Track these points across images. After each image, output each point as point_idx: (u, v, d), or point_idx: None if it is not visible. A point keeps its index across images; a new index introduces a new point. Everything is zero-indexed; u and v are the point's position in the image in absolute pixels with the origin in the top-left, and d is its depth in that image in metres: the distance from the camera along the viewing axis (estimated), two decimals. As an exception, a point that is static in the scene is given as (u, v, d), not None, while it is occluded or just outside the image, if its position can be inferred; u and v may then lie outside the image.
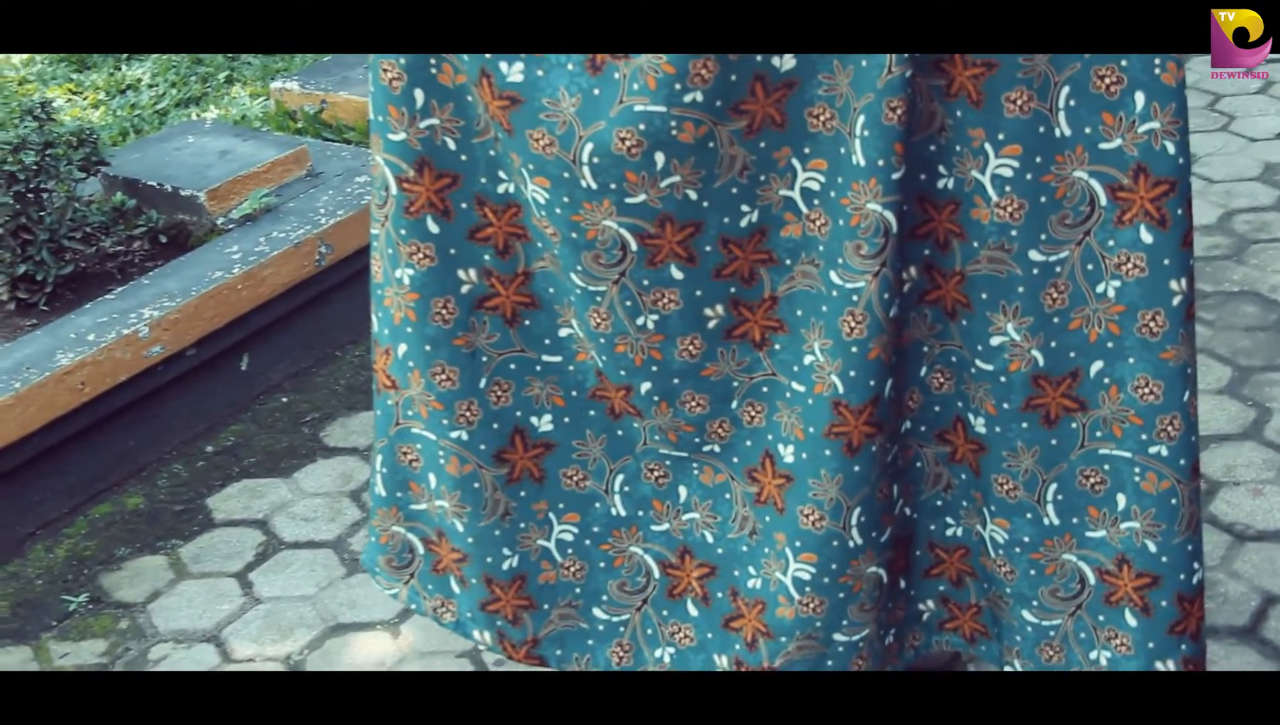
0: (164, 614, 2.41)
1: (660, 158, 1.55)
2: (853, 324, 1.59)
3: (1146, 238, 1.58)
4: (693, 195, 1.58)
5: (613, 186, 1.57)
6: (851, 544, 1.68)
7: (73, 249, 2.97)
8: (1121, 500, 1.68)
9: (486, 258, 1.70)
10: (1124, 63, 1.53)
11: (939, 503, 1.78)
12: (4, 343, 2.77)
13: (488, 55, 1.57)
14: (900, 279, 1.61)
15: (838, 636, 1.73)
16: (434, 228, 1.67)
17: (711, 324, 1.66)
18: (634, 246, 1.61)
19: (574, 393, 1.76)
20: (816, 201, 1.60)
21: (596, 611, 1.85)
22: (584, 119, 1.56)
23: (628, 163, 1.55)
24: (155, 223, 3.09)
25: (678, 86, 1.51)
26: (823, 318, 1.62)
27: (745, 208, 1.61)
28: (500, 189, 1.67)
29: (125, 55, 4.34)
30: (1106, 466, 1.67)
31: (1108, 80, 1.53)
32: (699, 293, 1.64)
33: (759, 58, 1.52)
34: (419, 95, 1.62)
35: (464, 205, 1.67)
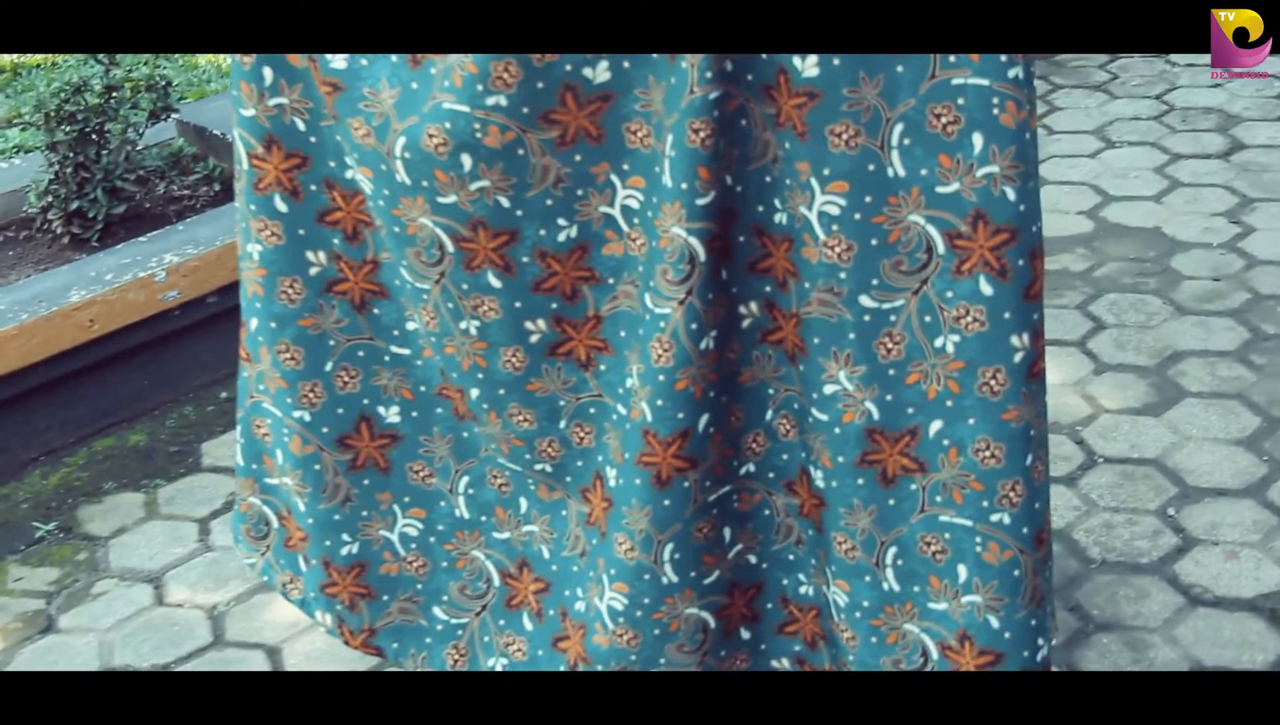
0: (121, 551, 2.48)
1: (467, 160, 1.50)
2: (660, 351, 1.52)
3: (986, 289, 1.47)
4: (505, 202, 1.53)
5: (424, 184, 1.53)
6: (665, 580, 1.61)
7: (126, 190, 3.07)
8: (963, 572, 1.57)
9: (335, 242, 1.68)
10: (960, 101, 1.41)
11: (790, 557, 1.69)
12: (37, 273, 2.89)
13: (315, 40, 1.55)
14: (715, 312, 1.52)
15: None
16: (282, 206, 1.66)
17: (534, 338, 1.61)
18: (450, 248, 1.57)
19: (422, 388, 1.74)
20: (636, 220, 1.53)
21: (436, 610, 1.82)
22: (400, 112, 1.52)
23: (436, 161, 1.51)
24: (212, 171, 3.17)
25: (480, 88, 1.46)
26: (638, 341, 1.56)
27: (563, 221, 1.55)
28: (348, 174, 1.64)
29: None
30: (947, 535, 1.56)
31: (944, 119, 1.42)
32: (518, 304, 1.59)
33: (568, 67, 1.46)
34: (268, 73, 1.61)
35: (313, 187, 1.66)
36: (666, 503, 1.57)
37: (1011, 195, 1.43)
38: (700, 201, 1.45)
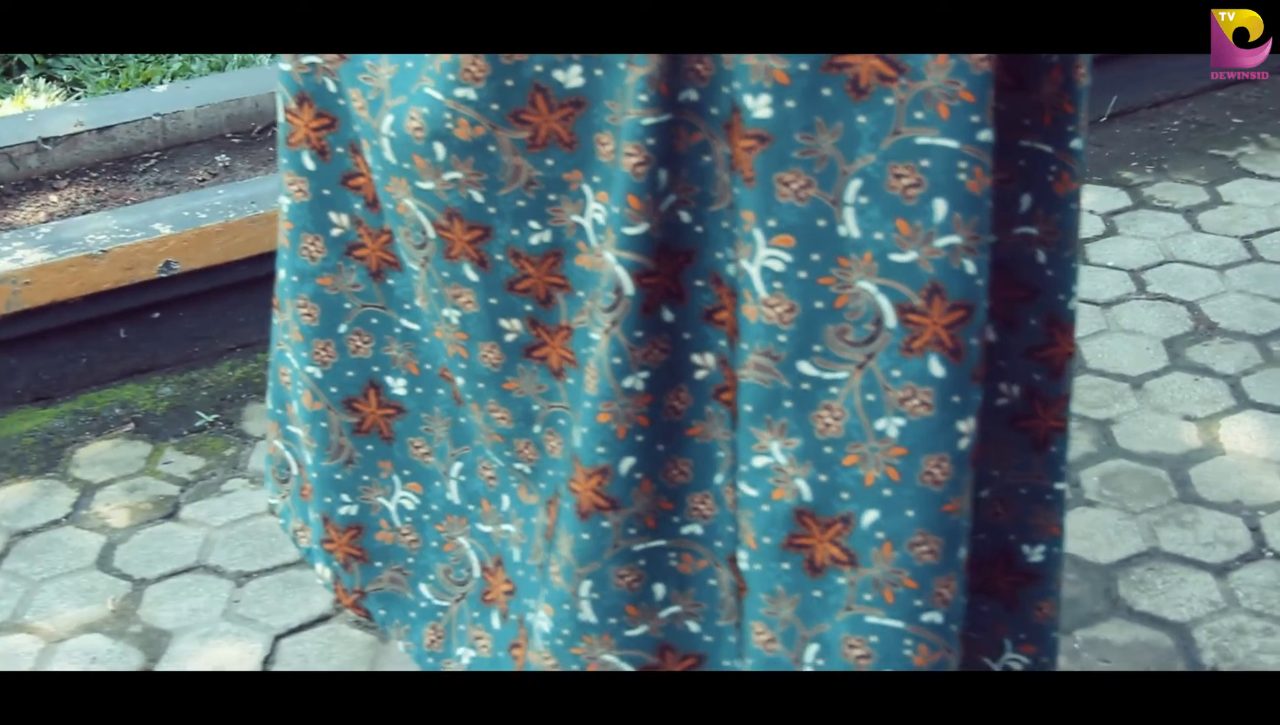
0: (262, 452, 2.59)
1: (440, 149, 1.45)
2: (589, 377, 1.44)
3: (937, 371, 1.31)
4: (478, 197, 1.48)
5: (406, 166, 1.50)
6: (582, 617, 1.54)
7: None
8: None
9: (357, 207, 1.67)
10: (924, 162, 1.25)
11: (731, 638, 1.57)
12: (256, 176, 3.03)
13: (325, 8, 1.53)
14: (648, 352, 1.42)
15: (578, 706, 1.60)
16: (310, 164, 1.67)
17: (509, 338, 1.55)
18: (431, 233, 1.53)
19: (427, 366, 1.72)
20: (601, 236, 1.45)
21: (423, 588, 1.82)
22: (393, 89, 1.49)
23: (414, 145, 1.47)
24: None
25: (451, 77, 1.41)
26: (587, 361, 1.48)
27: (535, 224, 1.48)
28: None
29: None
30: (874, 638, 1.41)
31: (905, 181, 1.26)
32: (493, 301, 1.54)
33: (538, 67, 1.38)
34: (300, 33, 1.61)
35: (339, 149, 1.65)
36: (585, 537, 1.50)
37: (971, 268, 1.27)
38: (628, 231, 1.36)
